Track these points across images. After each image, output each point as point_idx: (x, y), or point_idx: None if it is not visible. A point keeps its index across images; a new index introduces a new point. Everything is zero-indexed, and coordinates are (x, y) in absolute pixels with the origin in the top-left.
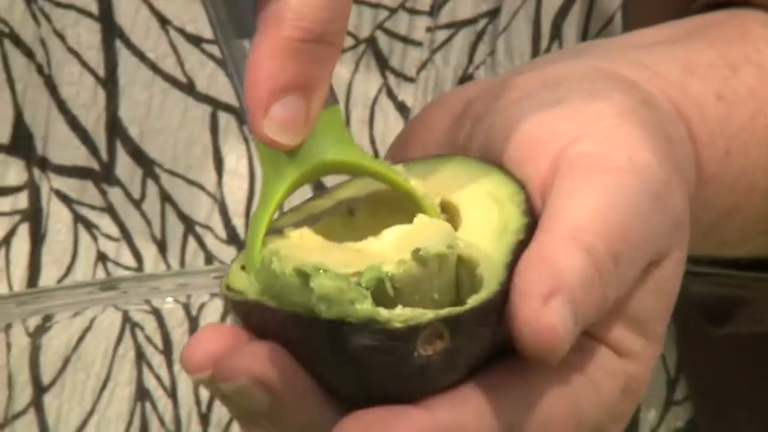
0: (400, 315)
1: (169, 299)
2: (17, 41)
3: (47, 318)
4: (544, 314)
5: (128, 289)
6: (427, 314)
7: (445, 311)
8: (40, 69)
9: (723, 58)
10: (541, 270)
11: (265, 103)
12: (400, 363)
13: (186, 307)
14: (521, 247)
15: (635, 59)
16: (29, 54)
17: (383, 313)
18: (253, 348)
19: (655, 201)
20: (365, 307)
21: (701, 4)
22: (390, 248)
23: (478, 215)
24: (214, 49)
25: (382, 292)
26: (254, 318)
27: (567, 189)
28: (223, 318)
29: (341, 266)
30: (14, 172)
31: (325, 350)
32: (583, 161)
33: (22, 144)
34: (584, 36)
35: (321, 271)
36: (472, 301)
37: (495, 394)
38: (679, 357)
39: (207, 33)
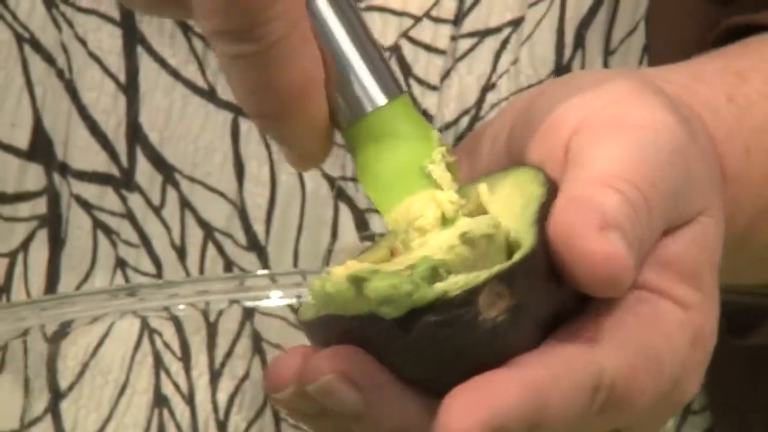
0: (455, 283)
1: (188, 306)
2: (37, 46)
3: (65, 324)
4: (602, 244)
5: (147, 296)
6: (482, 275)
7: (497, 267)
8: (60, 74)
9: (728, 68)
10: (583, 209)
11: None
12: (468, 331)
13: (204, 313)
14: (545, 206)
15: (642, 70)
16: (49, 59)
17: (439, 285)
18: (333, 350)
19: (675, 156)
20: (423, 292)
21: (723, 29)
22: (437, 247)
23: (501, 202)
24: None
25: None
26: (327, 333)
27: (588, 142)
28: (241, 325)
29: (392, 267)
30: (33, 177)
31: (395, 343)
32: (602, 122)
33: (41, 149)
34: (607, 44)
35: (374, 272)
36: (518, 255)
37: (580, 345)
38: None
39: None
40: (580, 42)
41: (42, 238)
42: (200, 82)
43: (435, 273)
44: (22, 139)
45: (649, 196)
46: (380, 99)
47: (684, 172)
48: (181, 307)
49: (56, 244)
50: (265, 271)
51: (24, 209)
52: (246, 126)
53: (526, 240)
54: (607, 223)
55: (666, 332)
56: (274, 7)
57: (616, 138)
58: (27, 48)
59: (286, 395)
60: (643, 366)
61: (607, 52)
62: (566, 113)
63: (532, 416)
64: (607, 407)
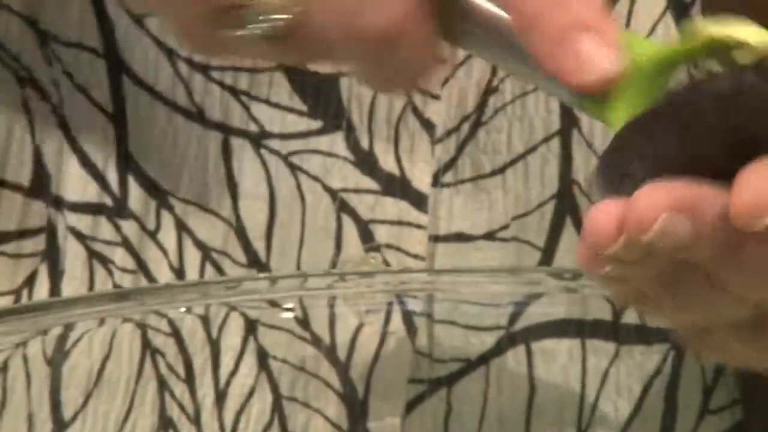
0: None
1: (187, 315)
2: (35, 86)
3: (66, 331)
4: None
5: (144, 301)
6: None
7: None
8: (54, 109)
9: None
10: None
11: None
12: None
13: (205, 322)
14: None
15: None
16: (45, 97)
17: None
18: (656, 187)
19: None
20: None
21: None
22: None
23: None
24: (223, 76)
25: None
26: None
27: None
28: (246, 337)
29: None
30: (35, 213)
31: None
32: None
33: (40, 184)
34: None
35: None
36: None
37: None
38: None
39: (213, 60)
40: None
41: (43, 272)
42: (188, 105)
43: None
44: (24, 176)
45: None
46: None
47: None
48: (182, 309)
49: (56, 276)
50: (266, 274)
51: (27, 246)
52: (238, 145)
53: None
54: None
55: None
56: None
57: None
58: (28, 88)
59: (615, 250)
60: None
61: None
62: None
63: None
64: None
